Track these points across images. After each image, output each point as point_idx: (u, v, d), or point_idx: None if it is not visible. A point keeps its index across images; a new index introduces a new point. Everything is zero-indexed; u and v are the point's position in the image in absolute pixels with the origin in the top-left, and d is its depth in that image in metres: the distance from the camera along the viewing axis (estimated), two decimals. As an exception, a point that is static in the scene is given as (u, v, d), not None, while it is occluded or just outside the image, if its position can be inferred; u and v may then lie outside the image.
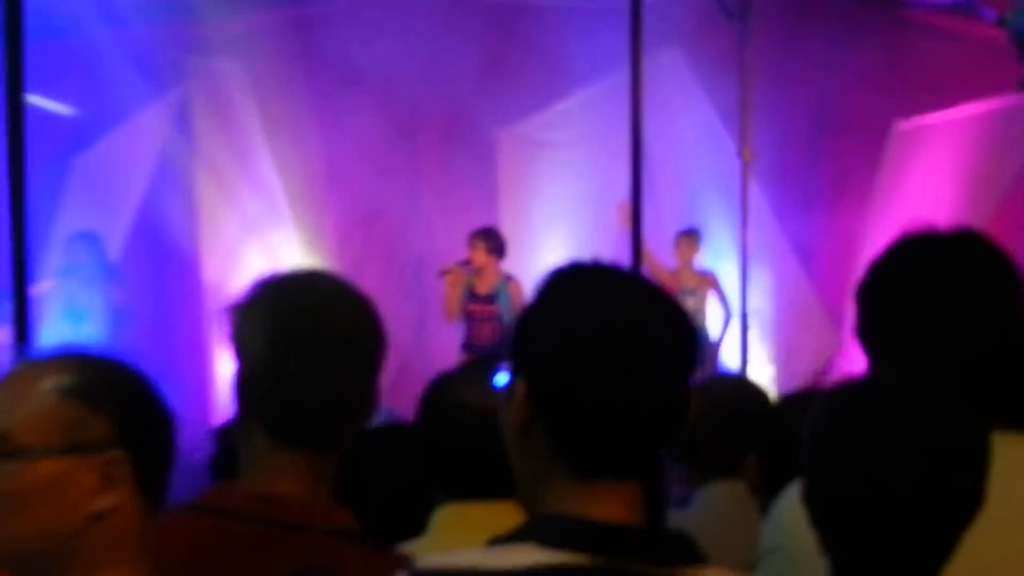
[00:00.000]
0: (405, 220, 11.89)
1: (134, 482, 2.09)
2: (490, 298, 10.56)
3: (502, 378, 2.12)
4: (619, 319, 2.02)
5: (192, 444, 5.33)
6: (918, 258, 2.45)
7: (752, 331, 11.12)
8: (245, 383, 2.51)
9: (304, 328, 2.49)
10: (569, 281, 2.10)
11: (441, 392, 2.88)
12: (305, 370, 2.46)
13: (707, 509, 3.60)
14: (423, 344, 11.69)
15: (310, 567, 2.40)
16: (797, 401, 3.53)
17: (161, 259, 12.01)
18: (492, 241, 10.73)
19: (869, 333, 2.45)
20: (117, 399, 2.09)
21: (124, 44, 11.49)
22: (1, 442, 2.05)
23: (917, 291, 2.40)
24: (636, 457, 2.05)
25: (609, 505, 2.01)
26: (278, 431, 2.48)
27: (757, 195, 11.17)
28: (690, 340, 2.07)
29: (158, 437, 2.16)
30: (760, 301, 11.52)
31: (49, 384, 2.08)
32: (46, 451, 2.05)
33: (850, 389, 2.17)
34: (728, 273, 11.31)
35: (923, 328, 2.37)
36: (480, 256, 10.73)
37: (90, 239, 11.42)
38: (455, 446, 2.75)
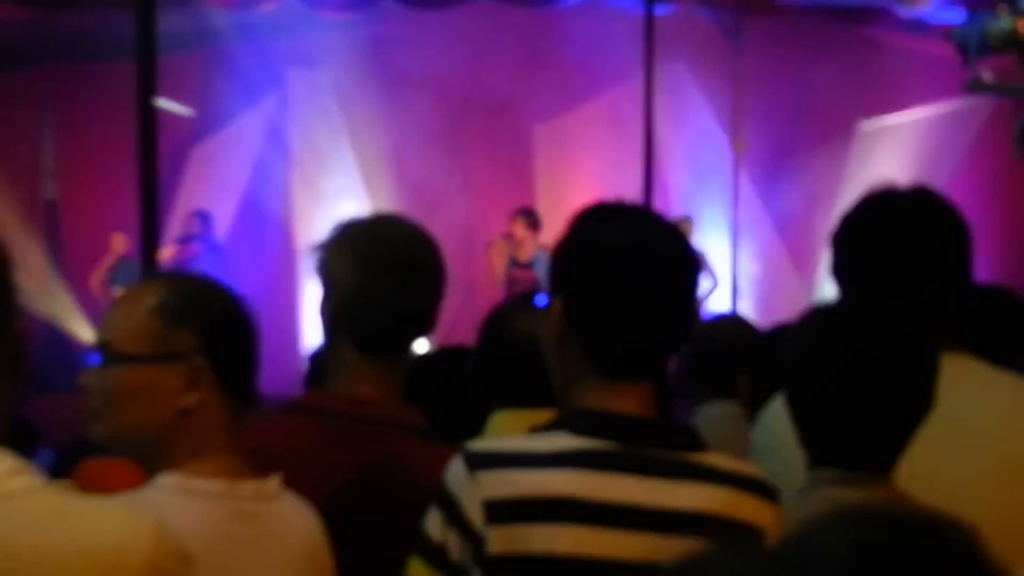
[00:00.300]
0: (457, 198, 11.82)
1: (217, 385, 2.09)
2: (529, 265, 10.52)
3: (542, 300, 2.14)
4: (637, 243, 2.04)
5: (285, 383, 5.35)
6: (882, 207, 2.43)
7: (740, 289, 11.13)
8: (334, 307, 2.51)
9: (385, 258, 2.49)
10: (596, 215, 2.12)
11: (497, 320, 2.88)
12: (386, 292, 2.48)
13: (707, 423, 3.59)
14: (471, 304, 11.69)
15: (384, 455, 2.42)
16: (778, 333, 3.54)
17: (262, 230, 12.07)
18: (530, 218, 10.71)
19: (841, 270, 2.44)
20: (202, 316, 2.09)
21: (232, 57, 11.55)
22: (105, 349, 2.08)
23: (880, 234, 2.38)
24: (650, 360, 2.06)
25: (628, 401, 2.02)
26: (363, 344, 2.50)
27: (746, 181, 11.13)
28: (693, 263, 2.08)
29: (240, 348, 2.15)
30: (746, 265, 11.49)
31: (146, 303, 2.09)
32: (138, 358, 2.07)
33: (824, 312, 2.18)
34: (721, 243, 11.27)
35: (885, 265, 2.36)
36: (520, 230, 10.70)
37: (203, 215, 11.51)
38: (508, 362, 2.72)
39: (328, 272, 2.51)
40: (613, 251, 2.03)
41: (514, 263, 10.64)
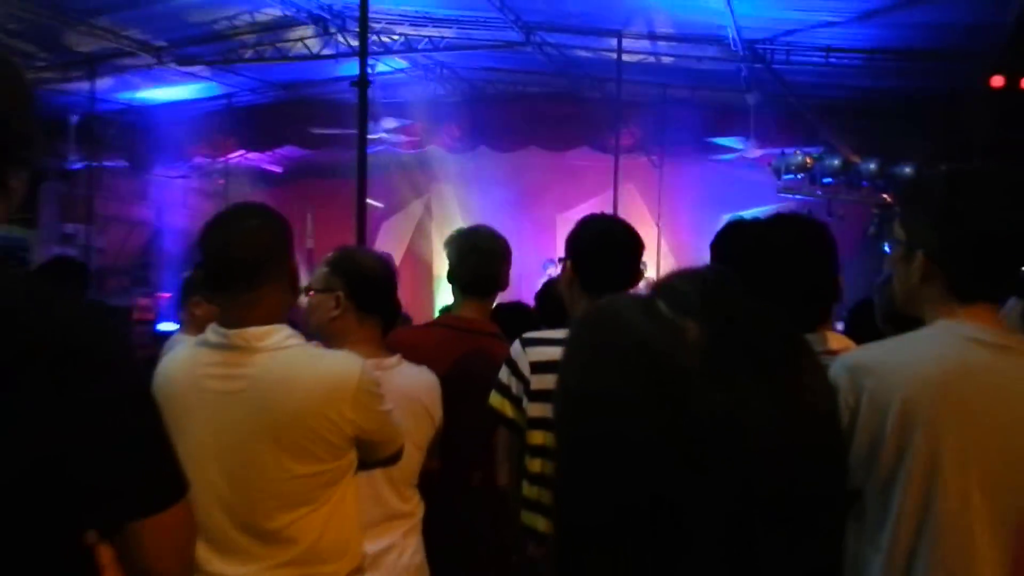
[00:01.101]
0: (517, 251, 11.72)
1: (354, 307, 2.05)
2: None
3: (560, 264, 2.12)
4: (609, 230, 2.03)
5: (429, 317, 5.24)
6: (738, 227, 2.34)
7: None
8: (450, 271, 2.49)
9: (472, 245, 2.47)
10: (588, 218, 2.11)
11: (547, 286, 2.86)
12: (474, 265, 2.45)
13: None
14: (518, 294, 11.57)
15: (478, 349, 2.39)
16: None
17: (418, 262, 12.05)
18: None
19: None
20: (347, 269, 2.05)
21: (403, 176, 11.57)
22: (306, 287, 2.07)
23: (738, 241, 2.28)
24: (616, 291, 2.00)
25: None
26: (464, 290, 2.47)
27: (664, 245, 11.01)
28: (638, 245, 2.03)
29: (371, 287, 2.07)
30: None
31: (325, 262, 2.09)
32: (327, 290, 2.05)
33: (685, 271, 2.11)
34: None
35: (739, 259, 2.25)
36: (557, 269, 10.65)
37: (388, 256, 11.48)
38: (551, 304, 2.72)
39: (448, 253, 2.50)
40: (594, 233, 2.03)
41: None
